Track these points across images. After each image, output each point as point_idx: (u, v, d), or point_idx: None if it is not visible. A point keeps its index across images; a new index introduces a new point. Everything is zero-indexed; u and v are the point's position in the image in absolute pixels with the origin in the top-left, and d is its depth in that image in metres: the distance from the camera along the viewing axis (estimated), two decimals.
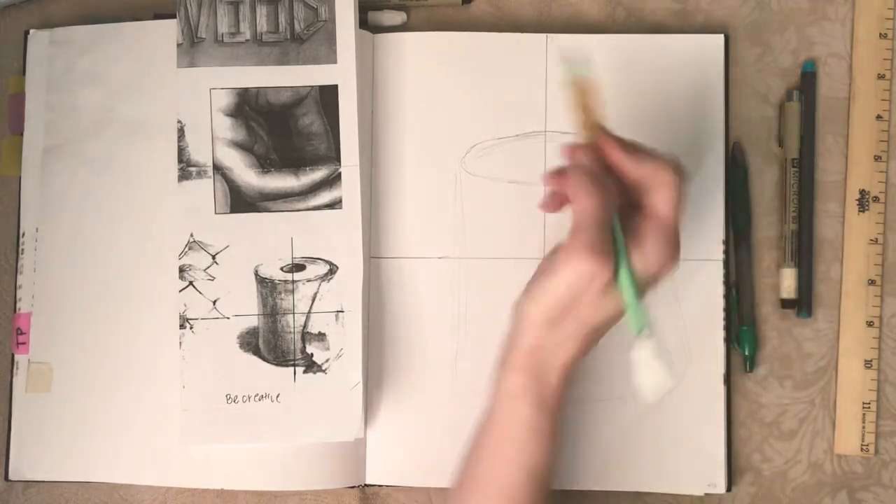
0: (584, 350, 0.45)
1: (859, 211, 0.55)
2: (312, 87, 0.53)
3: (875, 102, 0.56)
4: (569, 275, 0.42)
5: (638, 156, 0.43)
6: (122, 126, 0.55)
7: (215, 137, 0.53)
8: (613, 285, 0.42)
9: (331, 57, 0.53)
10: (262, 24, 0.54)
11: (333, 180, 0.53)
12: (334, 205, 0.53)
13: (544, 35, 0.55)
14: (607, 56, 0.55)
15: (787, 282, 0.55)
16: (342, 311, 0.53)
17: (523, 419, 0.45)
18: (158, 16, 0.56)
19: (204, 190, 0.53)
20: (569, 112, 0.44)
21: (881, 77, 0.56)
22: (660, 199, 0.43)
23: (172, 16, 0.54)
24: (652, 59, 0.55)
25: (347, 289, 0.53)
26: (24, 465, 0.54)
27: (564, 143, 0.45)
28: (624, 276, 0.42)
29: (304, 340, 0.53)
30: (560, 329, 0.44)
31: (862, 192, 0.55)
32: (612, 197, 0.43)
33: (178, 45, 0.53)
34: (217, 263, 0.53)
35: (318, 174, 0.53)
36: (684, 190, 0.43)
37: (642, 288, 0.43)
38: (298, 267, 0.53)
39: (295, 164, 0.53)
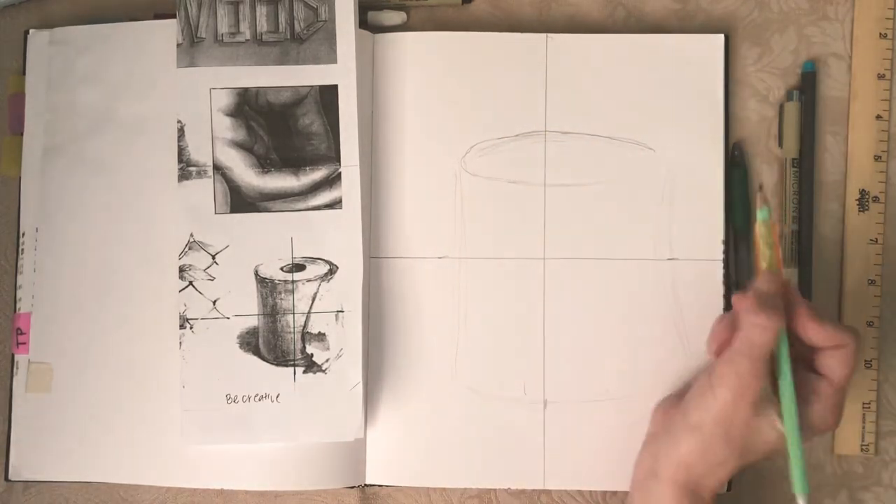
0: (735, 470, 0.45)
1: (859, 211, 0.55)
2: (312, 87, 0.53)
3: (875, 102, 0.56)
4: (724, 392, 0.43)
5: (821, 317, 0.44)
6: (122, 126, 0.55)
7: (215, 137, 0.53)
8: (769, 409, 0.44)
9: (331, 57, 0.53)
10: (262, 24, 0.54)
11: (333, 180, 0.53)
12: (334, 205, 0.53)
13: (544, 35, 0.55)
14: (607, 56, 0.55)
15: None
16: (342, 311, 0.53)
17: None
18: (158, 16, 0.56)
19: (204, 190, 0.53)
20: (758, 252, 0.46)
21: (881, 77, 0.56)
22: (838, 362, 0.44)
23: (172, 16, 0.54)
24: (652, 59, 0.55)
25: (347, 289, 0.53)
26: (24, 465, 0.54)
27: (739, 295, 0.45)
28: (788, 422, 0.43)
29: (304, 340, 0.53)
30: (716, 448, 0.44)
31: (862, 192, 0.55)
32: (776, 335, 0.43)
33: (178, 45, 0.53)
34: (217, 263, 0.53)
35: (318, 174, 0.53)
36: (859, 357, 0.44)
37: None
38: (298, 267, 0.53)
39: (295, 164, 0.53)
